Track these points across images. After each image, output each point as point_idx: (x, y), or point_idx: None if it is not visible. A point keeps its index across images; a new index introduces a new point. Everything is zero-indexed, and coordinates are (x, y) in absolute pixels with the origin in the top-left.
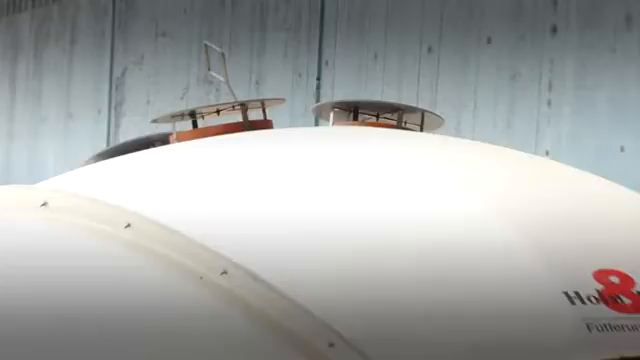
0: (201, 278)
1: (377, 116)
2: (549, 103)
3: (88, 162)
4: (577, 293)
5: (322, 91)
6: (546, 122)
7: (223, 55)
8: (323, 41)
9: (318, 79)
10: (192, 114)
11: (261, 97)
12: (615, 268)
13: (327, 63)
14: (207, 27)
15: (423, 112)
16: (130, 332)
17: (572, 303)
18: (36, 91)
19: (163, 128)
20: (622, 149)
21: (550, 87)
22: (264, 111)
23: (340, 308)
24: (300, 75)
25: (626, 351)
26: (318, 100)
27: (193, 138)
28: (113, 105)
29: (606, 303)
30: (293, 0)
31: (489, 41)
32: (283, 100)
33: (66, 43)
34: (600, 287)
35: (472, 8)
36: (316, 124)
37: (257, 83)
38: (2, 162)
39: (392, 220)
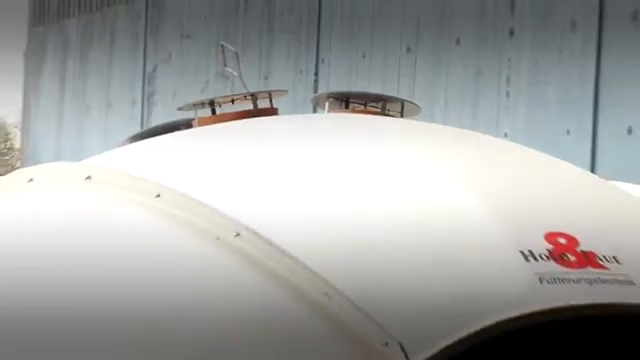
0: (218, 239)
1: (365, 105)
2: (507, 95)
3: (124, 143)
4: (531, 252)
5: (319, 85)
6: (505, 111)
7: (237, 54)
8: (320, 42)
9: (316, 74)
10: (211, 103)
11: (268, 89)
12: (563, 231)
13: (323, 61)
14: (223, 30)
15: (403, 101)
16: (157, 284)
17: (527, 260)
18: (81, 88)
19: (187, 115)
20: (568, 132)
21: (508, 82)
22: (271, 101)
23: (336, 265)
24: (301, 72)
25: (572, 300)
26: (316, 92)
27: (212, 123)
28: (146, 97)
29: (555, 260)
30: (295, 6)
31: (458, 42)
32: (287, 92)
33: (107, 45)
34: (550, 247)
35: (444, 12)
36: (314, 112)
37: (265, 78)
38: (53, 151)
39: (375, 186)
